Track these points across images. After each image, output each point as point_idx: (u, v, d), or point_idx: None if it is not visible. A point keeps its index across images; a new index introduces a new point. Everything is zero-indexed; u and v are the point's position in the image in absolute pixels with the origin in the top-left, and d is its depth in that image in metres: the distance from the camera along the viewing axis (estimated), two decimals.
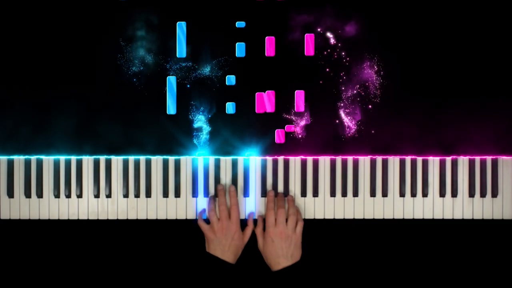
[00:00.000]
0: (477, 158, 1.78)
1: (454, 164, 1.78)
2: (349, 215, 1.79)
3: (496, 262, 1.84)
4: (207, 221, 1.73)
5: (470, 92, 1.77)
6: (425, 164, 1.78)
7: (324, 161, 1.79)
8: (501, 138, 1.77)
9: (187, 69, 1.75)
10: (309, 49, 1.76)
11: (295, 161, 1.79)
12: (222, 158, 1.78)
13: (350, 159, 1.78)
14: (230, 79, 1.76)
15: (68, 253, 1.82)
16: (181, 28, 1.75)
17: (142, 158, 1.77)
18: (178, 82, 1.75)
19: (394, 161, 1.79)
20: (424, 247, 1.84)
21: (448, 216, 1.79)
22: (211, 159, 1.78)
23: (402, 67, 1.76)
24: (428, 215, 1.78)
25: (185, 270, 1.79)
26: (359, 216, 1.79)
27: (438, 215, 1.78)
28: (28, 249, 1.82)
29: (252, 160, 1.78)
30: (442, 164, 1.78)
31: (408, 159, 1.78)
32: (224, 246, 1.68)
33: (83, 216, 1.78)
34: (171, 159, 1.78)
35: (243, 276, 1.76)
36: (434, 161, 1.78)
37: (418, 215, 1.78)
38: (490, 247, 1.84)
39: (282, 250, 1.68)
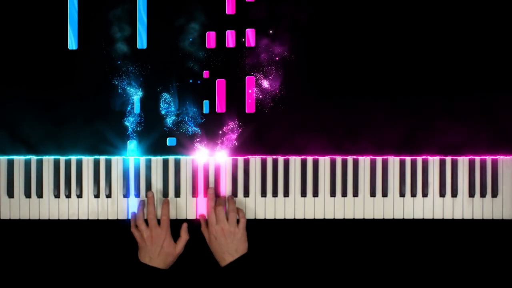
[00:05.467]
0: (477, 158, 1.78)
1: (454, 164, 1.78)
2: (349, 215, 1.79)
3: (496, 262, 1.84)
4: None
5: (470, 91, 1.77)
6: (425, 164, 1.78)
7: (324, 161, 1.79)
8: (501, 138, 1.77)
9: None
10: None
11: (295, 161, 1.78)
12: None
13: (350, 159, 1.78)
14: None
15: (68, 253, 1.82)
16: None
17: (142, 158, 1.77)
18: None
19: (394, 161, 1.79)
20: (424, 247, 1.84)
21: (448, 216, 1.79)
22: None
23: (399, 65, 1.76)
24: (428, 215, 1.78)
25: (117, 279, 1.79)
26: (359, 216, 1.79)
27: (438, 215, 1.78)
28: (28, 249, 1.82)
29: (252, 160, 1.78)
30: (442, 164, 1.78)
31: (408, 159, 1.78)
32: (154, 253, 1.69)
33: (83, 216, 1.78)
34: (171, 158, 1.78)
35: (176, 281, 1.76)
36: (434, 161, 1.78)
37: (418, 215, 1.78)
38: (490, 247, 1.84)
39: (226, 246, 1.70)
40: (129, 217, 1.77)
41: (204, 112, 1.76)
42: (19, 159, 1.77)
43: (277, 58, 1.75)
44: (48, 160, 1.77)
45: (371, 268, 1.85)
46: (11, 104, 1.75)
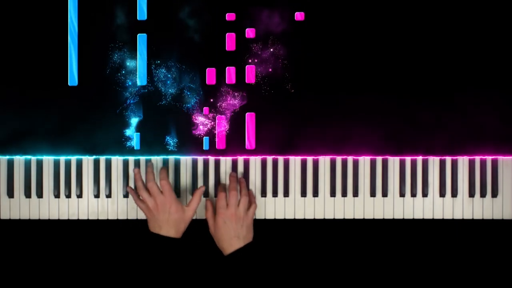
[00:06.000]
0: (477, 158, 1.78)
1: (454, 164, 1.78)
2: (349, 215, 1.79)
3: (496, 262, 1.84)
4: None
5: (471, 91, 1.77)
6: (425, 164, 1.78)
7: (324, 161, 1.79)
8: (501, 138, 1.77)
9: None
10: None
11: (295, 161, 1.79)
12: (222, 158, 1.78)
13: (350, 159, 1.78)
14: None
15: (68, 253, 1.82)
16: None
17: (142, 158, 1.77)
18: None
19: (394, 161, 1.79)
20: (424, 247, 1.84)
21: (448, 216, 1.79)
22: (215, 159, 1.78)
23: (399, 64, 1.76)
24: (428, 215, 1.78)
25: (130, 252, 1.77)
26: (359, 216, 1.79)
27: (438, 215, 1.78)
28: (28, 249, 1.82)
29: (252, 160, 1.78)
30: (442, 164, 1.78)
31: (408, 159, 1.78)
32: (162, 221, 1.65)
33: (83, 216, 1.78)
34: (171, 158, 1.78)
35: (192, 248, 1.75)
36: (434, 161, 1.78)
37: (418, 215, 1.78)
38: (490, 247, 1.84)
39: (235, 231, 1.66)
40: (129, 217, 1.77)
41: (204, 148, 1.76)
42: (19, 159, 1.77)
43: (277, 89, 1.75)
44: (48, 160, 1.77)
45: (371, 268, 1.85)
46: (12, 104, 1.75)
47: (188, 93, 1.71)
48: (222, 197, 1.69)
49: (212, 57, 1.74)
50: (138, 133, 1.75)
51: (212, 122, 1.75)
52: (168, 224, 1.65)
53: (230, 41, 1.75)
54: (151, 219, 1.66)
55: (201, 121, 1.72)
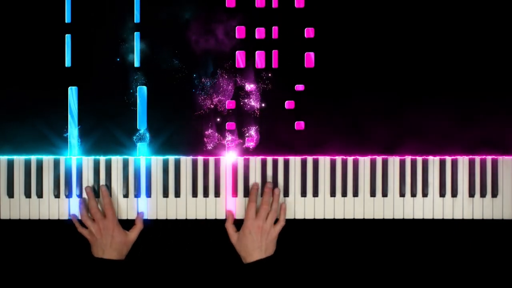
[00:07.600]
0: (477, 158, 1.78)
1: (454, 164, 1.78)
2: (349, 215, 1.79)
3: (496, 262, 1.84)
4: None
5: (470, 91, 1.77)
6: (425, 164, 1.78)
7: (324, 161, 1.79)
8: (501, 138, 1.77)
9: None
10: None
11: (295, 161, 1.79)
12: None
13: (350, 159, 1.78)
14: None
15: (68, 253, 1.82)
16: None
17: (142, 158, 1.78)
18: None
19: (394, 161, 1.79)
20: (424, 247, 1.84)
21: (448, 216, 1.79)
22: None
23: (402, 65, 1.77)
24: (428, 215, 1.79)
25: (73, 277, 1.81)
26: (359, 216, 1.79)
27: (438, 215, 1.79)
28: (28, 249, 1.82)
29: (252, 160, 1.78)
30: (442, 164, 1.78)
31: (408, 159, 1.78)
32: (105, 245, 1.70)
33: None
34: (171, 158, 1.78)
35: (136, 270, 1.80)
36: (434, 161, 1.78)
37: (418, 215, 1.78)
38: (490, 247, 1.84)
39: (258, 243, 1.70)
40: (129, 217, 1.77)
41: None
42: (19, 159, 1.77)
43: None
44: (48, 160, 1.77)
45: (371, 268, 1.85)
46: (13, 103, 1.75)
47: None
48: (252, 207, 1.72)
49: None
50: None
51: None
52: (111, 247, 1.70)
53: (230, 127, 1.78)
54: (94, 243, 1.71)
55: None
